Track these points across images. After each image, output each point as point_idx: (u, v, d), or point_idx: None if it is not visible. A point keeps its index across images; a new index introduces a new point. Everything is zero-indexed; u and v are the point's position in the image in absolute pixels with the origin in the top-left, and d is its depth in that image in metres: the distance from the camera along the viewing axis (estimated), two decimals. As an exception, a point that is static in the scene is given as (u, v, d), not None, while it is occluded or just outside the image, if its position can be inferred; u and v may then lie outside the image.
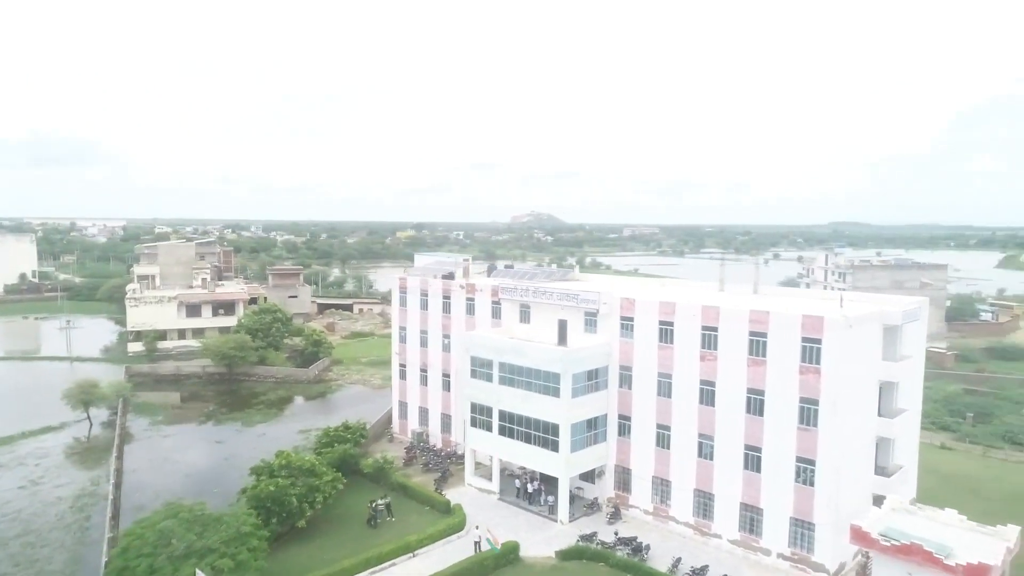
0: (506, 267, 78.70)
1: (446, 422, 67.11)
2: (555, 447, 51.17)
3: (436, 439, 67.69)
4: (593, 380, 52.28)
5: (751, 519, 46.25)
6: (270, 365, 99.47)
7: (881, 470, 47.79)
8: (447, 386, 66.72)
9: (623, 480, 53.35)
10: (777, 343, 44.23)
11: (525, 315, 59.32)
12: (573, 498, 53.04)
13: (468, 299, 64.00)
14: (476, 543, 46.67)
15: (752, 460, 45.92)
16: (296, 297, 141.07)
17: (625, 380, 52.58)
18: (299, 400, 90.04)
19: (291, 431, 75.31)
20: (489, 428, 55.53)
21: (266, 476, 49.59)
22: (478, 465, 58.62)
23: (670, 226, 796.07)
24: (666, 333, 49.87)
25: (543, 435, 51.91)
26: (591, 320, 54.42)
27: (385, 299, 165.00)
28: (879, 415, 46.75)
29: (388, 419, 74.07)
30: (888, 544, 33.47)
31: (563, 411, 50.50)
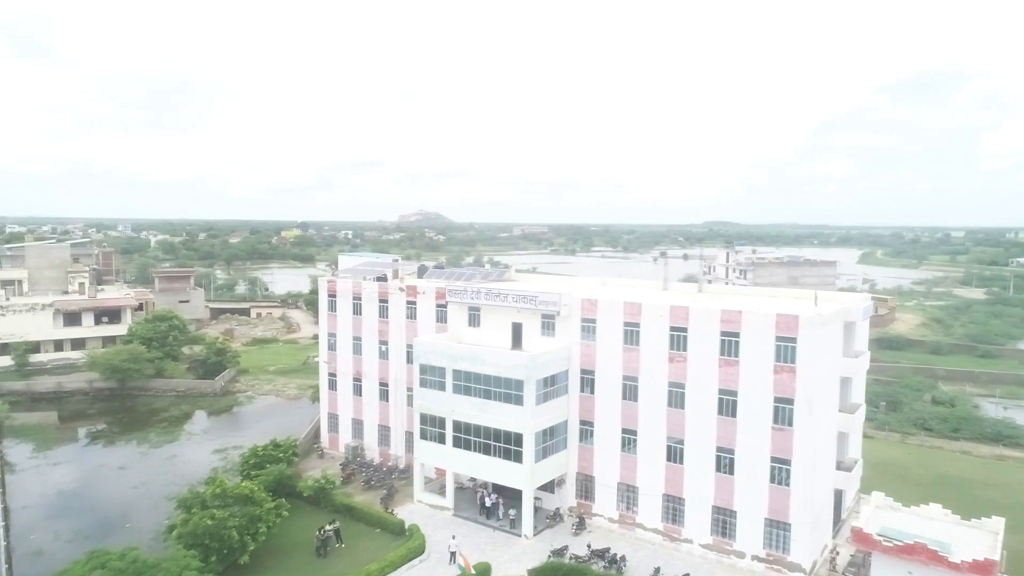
0: (436, 268, 75.17)
1: (384, 434, 62.83)
2: (518, 457, 48.50)
3: (373, 453, 63.26)
4: (553, 386, 50.01)
5: (724, 522, 45.56)
6: (169, 378, 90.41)
7: (840, 465, 48.64)
8: (385, 396, 62.46)
9: (585, 488, 51.46)
10: (750, 343, 43.69)
11: (474, 318, 56.21)
12: (535, 510, 50.58)
13: (409, 302, 60.06)
14: (452, 554, 43.59)
15: (725, 462, 45.22)
16: (188, 302, 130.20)
17: (587, 384, 50.70)
18: (206, 416, 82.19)
19: (205, 451, 68.25)
20: (442, 440, 52.05)
21: (198, 507, 43.83)
22: (427, 480, 54.95)
23: (558, 225, 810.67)
24: (632, 335, 48.38)
25: (504, 445, 49.10)
26: (548, 323, 52.14)
27: (286, 302, 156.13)
28: (839, 411, 47.48)
29: (315, 433, 68.71)
30: (890, 544, 33.29)
31: (527, 419, 47.92)
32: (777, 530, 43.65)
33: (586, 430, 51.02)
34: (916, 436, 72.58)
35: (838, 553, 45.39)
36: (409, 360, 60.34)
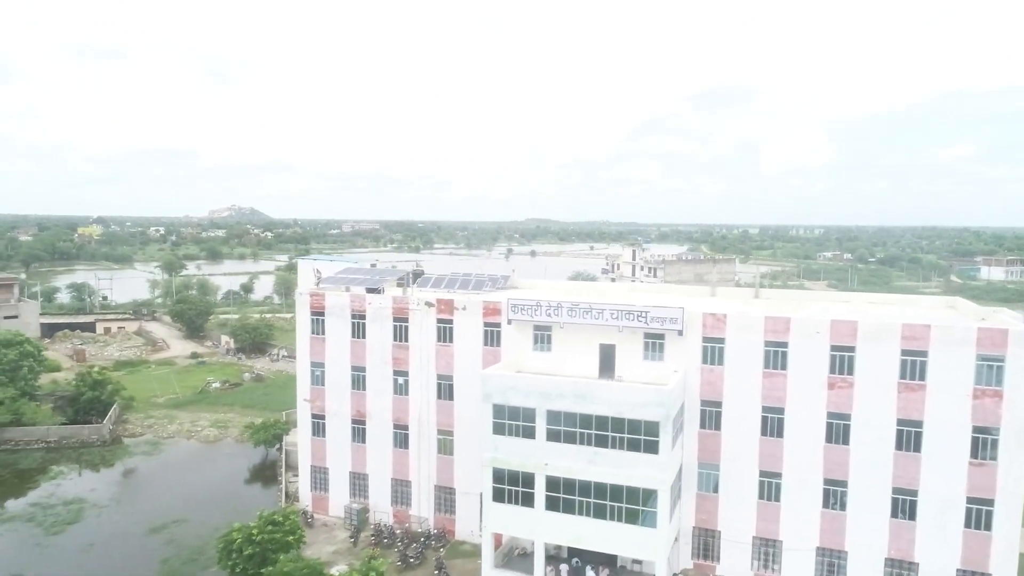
0: (415, 273, 61.38)
1: (402, 491, 48.92)
2: (648, 521, 37.75)
3: (384, 515, 49.04)
4: (680, 424, 40.02)
5: (899, 576, 38.34)
6: (31, 424, 67.46)
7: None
8: (402, 442, 48.53)
9: (705, 545, 42.01)
10: (942, 363, 36.60)
11: (542, 340, 44.41)
12: (643, 578, 40.30)
13: (442, 321, 46.71)
14: None
15: (903, 505, 37.88)
16: (16, 317, 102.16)
17: (710, 419, 41.20)
18: (101, 475, 61.52)
19: (134, 533, 49.37)
20: (530, 503, 39.85)
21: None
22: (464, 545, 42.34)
23: (387, 221, 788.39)
24: (776, 356, 39.58)
25: (626, 505, 38.13)
26: (655, 344, 41.87)
27: (139, 313, 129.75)
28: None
29: (287, 493, 52.72)
30: None
31: (661, 471, 37.37)
32: (972, 582, 37.09)
33: (708, 475, 41.51)
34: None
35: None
36: (442, 395, 47.15)
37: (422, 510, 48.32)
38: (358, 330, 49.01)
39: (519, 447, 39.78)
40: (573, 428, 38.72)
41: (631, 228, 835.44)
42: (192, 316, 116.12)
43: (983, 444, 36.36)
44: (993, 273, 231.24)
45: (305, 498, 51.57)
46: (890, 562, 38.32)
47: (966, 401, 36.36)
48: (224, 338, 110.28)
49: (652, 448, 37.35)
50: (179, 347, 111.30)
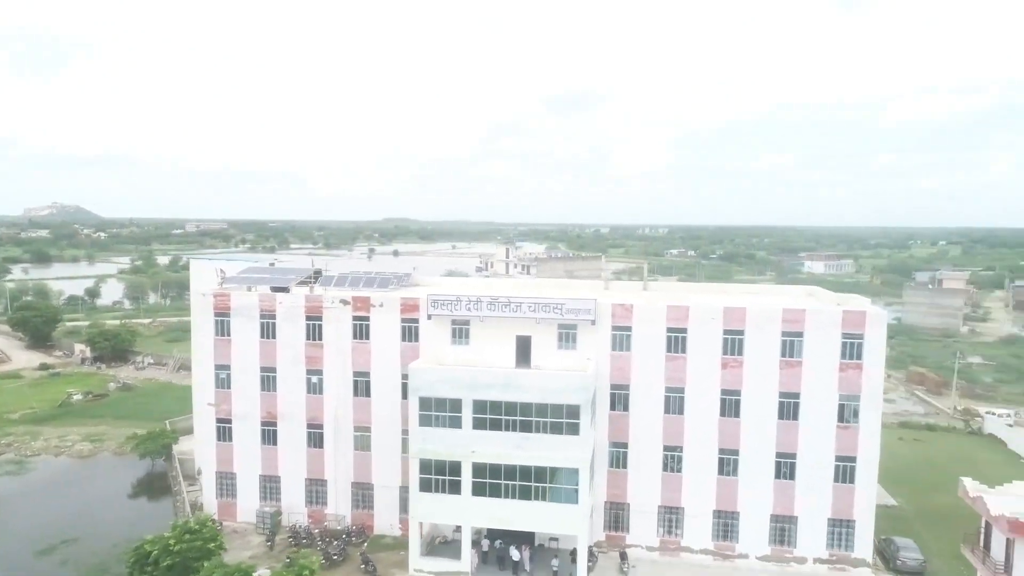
0: (316, 273, 60.88)
1: (317, 491, 48.73)
2: (569, 498, 40.71)
3: (299, 517, 48.60)
4: (594, 407, 43.24)
5: (783, 530, 43.79)
6: None
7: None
8: (317, 441, 48.35)
9: (616, 517, 45.61)
10: (815, 342, 42.36)
11: (461, 334, 46.09)
12: (556, 553, 43.19)
13: (358, 319, 47.09)
14: None
15: (785, 467, 43.39)
16: None
17: (620, 401, 44.81)
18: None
19: (19, 557, 45.33)
20: (457, 490, 41.53)
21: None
22: (391, 539, 43.52)
23: (237, 221, 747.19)
24: (677, 341, 43.85)
25: (549, 485, 40.85)
26: (568, 334, 44.88)
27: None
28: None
29: (190, 501, 50.70)
30: (1047, 529, 34.47)
31: (581, 451, 40.43)
32: (840, 529, 43.19)
33: (618, 452, 45.12)
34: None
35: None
36: (359, 392, 47.58)
37: (339, 508, 48.39)
38: (268, 330, 48.19)
39: (446, 437, 41.34)
40: (499, 416, 40.88)
41: (490, 227, 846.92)
42: (38, 324, 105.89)
43: (847, 410, 42.52)
44: (815, 267, 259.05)
45: (210, 505, 49.81)
46: (775, 518, 43.73)
47: (834, 374, 42.36)
48: (78, 347, 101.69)
49: (574, 430, 40.30)
50: (23, 358, 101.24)
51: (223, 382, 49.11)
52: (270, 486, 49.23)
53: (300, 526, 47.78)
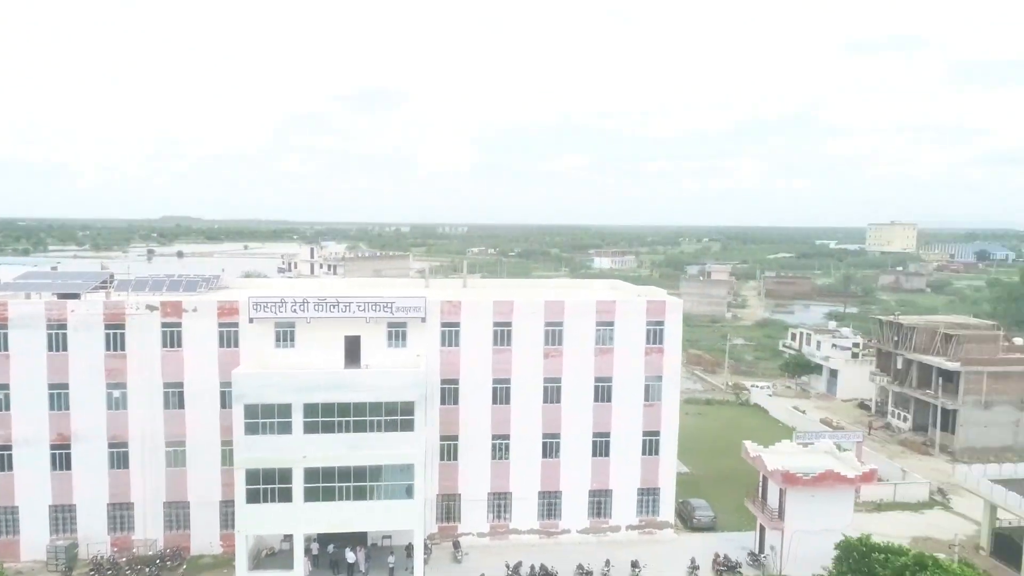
0: (110, 278, 55.42)
1: (122, 516, 44.53)
2: (405, 494, 41.20)
3: (101, 546, 44.03)
4: (426, 402, 44.05)
5: (600, 503, 47.79)
6: None
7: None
8: (122, 461, 44.14)
9: (448, 508, 46.90)
10: (624, 330, 46.72)
11: (285, 337, 44.60)
12: (391, 550, 43.62)
13: (168, 325, 43.68)
14: None
15: (600, 446, 47.38)
16: None
17: (449, 395, 46.09)
18: None
19: None
20: (288, 497, 40.20)
21: None
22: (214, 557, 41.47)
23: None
24: (503, 335, 46.07)
25: (384, 483, 41.04)
26: (398, 332, 45.29)
27: None
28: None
29: (-41, 545, 43.78)
30: (809, 477, 41.27)
31: (416, 447, 41.10)
32: (648, 497, 48.12)
33: (449, 445, 46.39)
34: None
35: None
36: (170, 404, 44.26)
37: (149, 532, 44.57)
38: (58, 342, 43.05)
39: (275, 444, 39.88)
40: (331, 418, 40.25)
41: (285, 226, 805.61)
42: None
43: (652, 390, 47.49)
44: (603, 263, 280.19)
45: (-15, 546, 43.46)
46: (593, 493, 47.64)
47: (641, 358, 47.09)
48: None
49: (408, 426, 40.84)
50: None
51: (2, 403, 43.00)
52: (63, 516, 44.02)
53: (103, 556, 43.28)
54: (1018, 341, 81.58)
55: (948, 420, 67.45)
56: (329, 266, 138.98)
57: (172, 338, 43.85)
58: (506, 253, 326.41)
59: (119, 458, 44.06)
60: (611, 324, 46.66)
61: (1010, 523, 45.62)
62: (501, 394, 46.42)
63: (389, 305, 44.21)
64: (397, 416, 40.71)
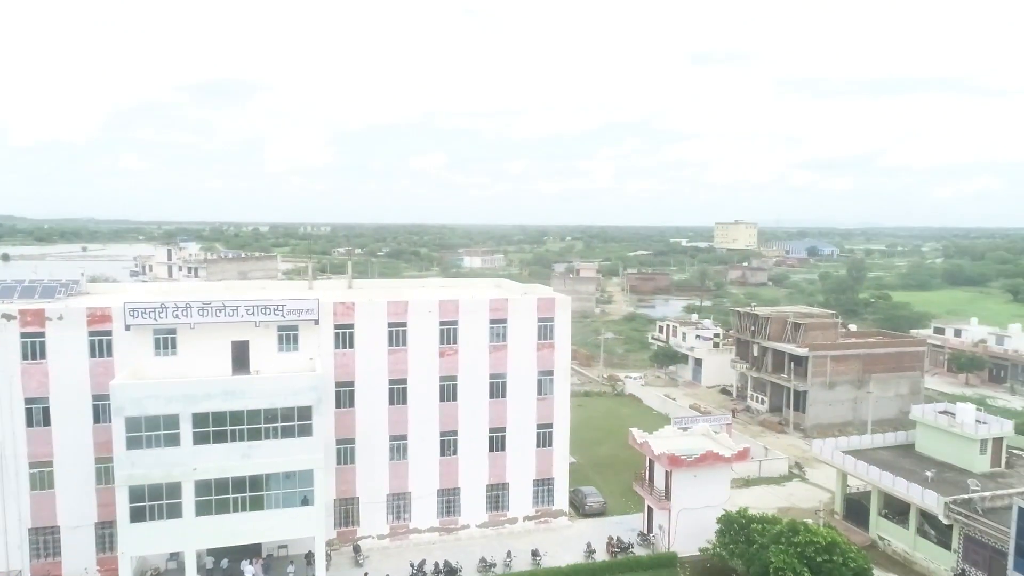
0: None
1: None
2: (305, 500, 40.19)
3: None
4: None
5: (497, 497, 48.81)
6: None
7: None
8: (-25, 487, 39.77)
9: (346, 512, 46.12)
10: (517, 327, 47.99)
11: (166, 345, 41.96)
12: (291, 560, 42.55)
13: (28, 336, 39.85)
14: None
15: (497, 440, 48.39)
16: None
17: (345, 398, 45.34)
18: None
19: None
20: (177, 513, 38.09)
21: None
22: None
23: None
24: (398, 335, 45.91)
25: (283, 491, 39.82)
26: (289, 336, 43.92)
27: None
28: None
29: None
30: (692, 459, 44.42)
31: (315, 452, 40.21)
32: (543, 488, 49.74)
33: (345, 449, 45.63)
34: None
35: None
36: (33, 421, 40.50)
37: (12, 562, 40.51)
38: None
39: (162, 457, 37.69)
40: (223, 427, 38.56)
41: (127, 226, 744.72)
42: None
43: (544, 384, 49.11)
44: (473, 262, 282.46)
45: None
46: (490, 487, 48.56)
47: (533, 353, 48.56)
48: None
49: (306, 431, 39.89)
50: None
51: None
52: (-96, 554, 39.07)
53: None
54: (852, 327, 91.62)
55: (800, 401, 74.65)
56: (189, 268, 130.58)
57: (34, 349, 40.05)
58: (374, 253, 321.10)
59: (-28, 485, 39.68)
60: (504, 322, 47.76)
61: (859, 489, 51.45)
62: (398, 395, 46.26)
63: (280, 308, 42.82)
64: (294, 422, 39.66)
